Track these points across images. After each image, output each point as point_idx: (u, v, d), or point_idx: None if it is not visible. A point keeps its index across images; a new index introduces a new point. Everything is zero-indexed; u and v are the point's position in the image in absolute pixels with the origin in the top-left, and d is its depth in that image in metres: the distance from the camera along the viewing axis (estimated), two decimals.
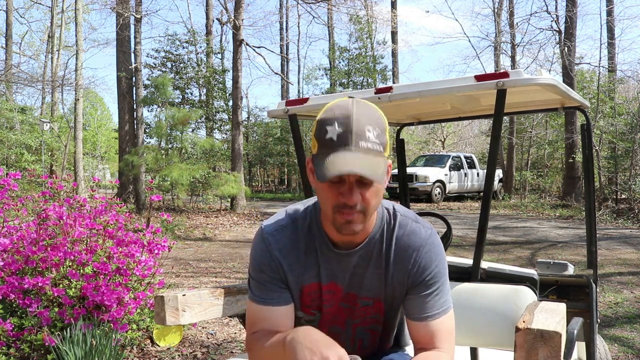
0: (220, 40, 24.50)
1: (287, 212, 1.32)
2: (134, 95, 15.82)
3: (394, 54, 24.64)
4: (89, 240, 3.29)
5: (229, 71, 18.99)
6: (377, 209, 1.27)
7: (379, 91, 2.06)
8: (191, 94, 20.00)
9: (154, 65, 18.89)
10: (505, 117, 3.13)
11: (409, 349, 1.53)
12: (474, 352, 2.13)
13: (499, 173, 19.19)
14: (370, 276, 1.28)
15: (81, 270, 3.08)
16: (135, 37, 15.92)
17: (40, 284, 2.83)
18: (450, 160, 18.20)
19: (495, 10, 22.58)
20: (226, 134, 20.42)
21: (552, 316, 1.28)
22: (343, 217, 1.14)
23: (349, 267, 1.27)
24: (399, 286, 1.28)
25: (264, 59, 18.29)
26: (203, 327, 4.04)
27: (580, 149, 14.45)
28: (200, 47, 20.23)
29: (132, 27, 15.93)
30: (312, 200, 1.33)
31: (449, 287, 1.31)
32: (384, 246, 1.27)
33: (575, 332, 1.61)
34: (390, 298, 1.31)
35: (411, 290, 1.27)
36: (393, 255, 1.27)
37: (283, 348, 1.10)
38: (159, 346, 3.50)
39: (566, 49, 15.84)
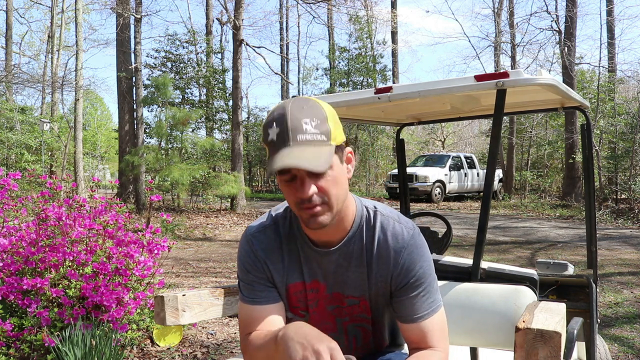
0: (220, 40, 24.51)
1: (270, 213, 1.35)
2: (134, 95, 15.81)
3: (393, 54, 24.65)
4: (88, 240, 3.28)
5: (229, 71, 18.99)
6: (357, 207, 1.28)
7: (378, 91, 2.06)
8: (191, 94, 20.00)
9: (154, 65, 18.88)
10: (505, 117, 3.13)
11: (407, 348, 1.53)
12: (474, 352, 2.13)
13: (499, 173, 19.19)
14: (354, 275, 1.29)
15: (80, 271, 3.08)
16: (135, 37, 15.91)
17: (39, 285, 2.83)
18: (450, 160, 18.20)
19: (495, 10, 22.60)
20: (226, 134, 20.40)
21: (552, 316, 1.28)
22: (307, 212, 1.15)
23: (330, 265, 1.28)
24: (383, 286, 1.29)
25: (264, 59, 18.23)
26: (203, 327, 4.04)
27: (580, 149, 14.46)
28: (200, 47, 20.23)
29: (132, 27, 15.92)
30: None
31: (437, 286, 1.30)
32: (365, 245, 1.27)
33: (575, 332, 1.61)
34: (374, 297, 1.31)
35: (398, 293, 1.27)
36: (375, 254, 1.27)
37: (275, 345, 1.10)
38: (159, 346, 3.50)
39: (566, 49, 15.84)
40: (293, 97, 1.19)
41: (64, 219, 3.14)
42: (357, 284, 1.29)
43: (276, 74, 20.18)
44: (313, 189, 1.12)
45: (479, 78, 1.87)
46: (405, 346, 1.53)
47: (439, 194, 17.35)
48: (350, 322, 1.36)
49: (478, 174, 19.06)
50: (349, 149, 1.21)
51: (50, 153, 20.00)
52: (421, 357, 1.23)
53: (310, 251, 1.28)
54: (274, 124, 1.11)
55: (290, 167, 1.06)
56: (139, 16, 15.69)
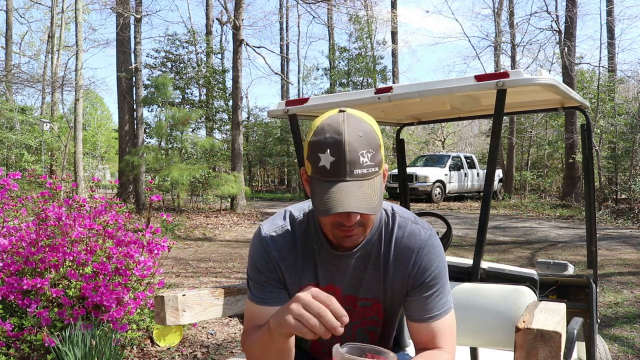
0: (220, 40, 24.52)
1: (285, 213, 1.32)
2: (134, 95, 15.82)
3: (394, 54, 24.64)
4: (88, 240, 3.28)
5: (229, 71, 18.99)
6: None
7: (378, 91, 2.06)
8: (191, 94, 20.01)
9: (154, 65, 18.88)
10: (505, 117, 3.13)
11: (409, 350, 1.53)
12: (474, 352, 2.13)
13: (499, 173, 19.19)
14: (369, 277, 1.28)
15: (80, 271, 3.08)
16: (135, 37, 15.92)
17: (39, 285, 2.83)
18: (450, 160, 18.20)
19: (495, 10, 22.60)
20: (226, 134, 20.41)
21: (552, 316, 1.28)
22: (343, 232, 1.14)
23: (347, 268, 1.27)
24: (399, 287, 1.28)
25: (264, 59, 18.23)
26: (203, 327, 4.04)
27: (580, 149, 14.46)
28: (200, 47, 20.24)
29: (132, 27, 15.93)
30: (310, 201, 1.33)
31: (449, 288, 1.31)
32: (383, 247, 1.27)
33: (575, 332, 1.61)
34: (389, 299, 1.30)
35: (412, 292, 1.27)
36: (392, 256, 1.27)
37: (269, 331, 1.10)
38: (159, 346, 3.50)
39: (566, 49, 15.84)
40: (341, 111, 1.11)
41: (64, 219, 3.14)
42: (372, 285, 1.29)
43: (276, 74, 20.21)
44: (357, 216, 1.11)
45: (479, 78, 1.87)
46: (407, 348, 1.53)
47: (439, 194, 17.35)
48: (360, 325, 1.35)
49: (478, 174, 19.05)
50: (385, 166, 1.18)
51: (50, 153, 20.00)
52: (428, 356, 1.23)
53: (328, 254, 1.27)
54: (328, 150, 1.05)
55: (350, 212, 1.04)
56: (139, 16, 15.69)
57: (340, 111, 1.12)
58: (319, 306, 0.97)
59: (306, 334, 0.98)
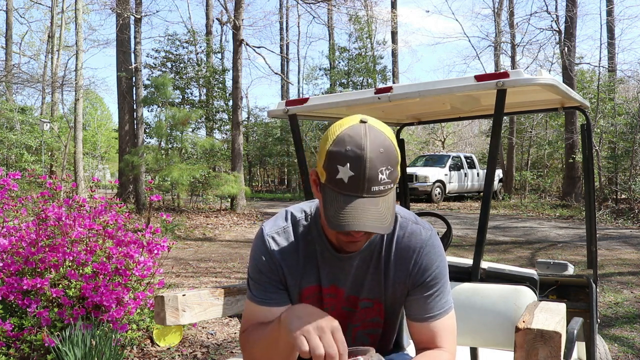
0: (220, 40, 24.52)
1: (286, 214, 1.32)
2: (134, 95, 15.82)
3: (393, 54, 24.63)
4: (88, 240, 3.28)
5: (229, 71, 18.99)
6: None
7: (378, 91, 2.06)
8: (191, 94, 19.99)
9: (154, 65, 18.87)
10: (505, 117, 3.14)
11: (409, 350, 1.53)
12: (474, 352, 2.13)
13: (499, 173, 19.19)
14: (371, 278, 1.28)
15: (80, 271, 3.08)
16: (135, 38, 15.92)
17: (39, 285, 2.83)
18: (450, 160, 18.20)
19: (495, 10, 22.60)
20: (226, 134, 20.40)
21: (552, 316, 1.28)
22: (348, 239, 1.14)
23: (350, 269, 1.27)
24: (400, 287, 1.28)
25: (264, 59, 18.26)
26: (203, 327, 4.04)
27: (580, 149, 14.45)
28: (200, 47, 20.22)
29: (132, 27, 15.93)
30: (312, 202, 1.33)
31: (450, 288, 1.31)
32: (384, 248, 1.28)
33: (575, 332, 1.61)
34: (390, 299, 1.31)
35: (412, 292, 1.27)
36: (393, 256, 1.27)
37: (278, 325, 1.11)
38: (159, 346, 3.50)
39: (566, 49, 15.84)
40: (362, 122, 1.08)
41: (63, 219, 3.14)
42: (373, 286, 1.29)
43: (276, 74, 20.22)
44: None
45: (479, 78, 1.87)
46: (407, 348, 1.53)
47: (439, 194, 17.35)
48: (361, 327, 1.35)
49: (478, 174, 19.06)
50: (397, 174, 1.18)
51: (50, 153, 20.00)
52: (428, 356, 1.23)
53: (330, 256, 1.27)
54: (348, 164, 1.03)
55: (364, 231, 1.04)
56: (138, 16, 15.69)
57: (362, 121, 1.09)
58: (335, 351, 1.00)
59: (305, 354, 1.01)
